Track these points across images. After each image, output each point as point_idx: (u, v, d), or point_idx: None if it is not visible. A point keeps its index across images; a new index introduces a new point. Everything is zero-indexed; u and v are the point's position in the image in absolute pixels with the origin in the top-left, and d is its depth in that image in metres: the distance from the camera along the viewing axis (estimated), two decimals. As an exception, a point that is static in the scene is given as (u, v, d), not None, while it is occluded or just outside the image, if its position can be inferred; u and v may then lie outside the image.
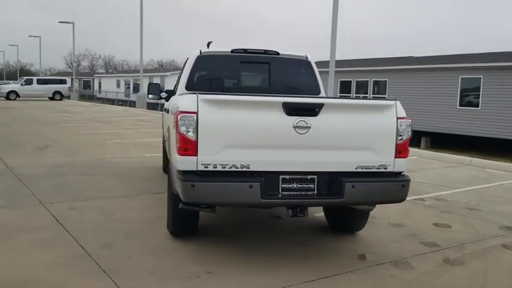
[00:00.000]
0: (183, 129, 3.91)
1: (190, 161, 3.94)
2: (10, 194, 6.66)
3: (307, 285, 3.93)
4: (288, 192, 4.10)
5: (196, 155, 3.92)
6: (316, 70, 6.17)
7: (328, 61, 15.75)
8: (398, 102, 4.27)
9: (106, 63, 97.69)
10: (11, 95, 39.05)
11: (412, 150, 7.55)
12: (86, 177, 8.06)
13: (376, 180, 4.17)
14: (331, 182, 4.15)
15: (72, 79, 51.49)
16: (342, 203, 4.21)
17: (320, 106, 4.03)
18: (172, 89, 7.61)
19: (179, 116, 3.92)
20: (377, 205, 4.69)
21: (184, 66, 6.60)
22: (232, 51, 5.85)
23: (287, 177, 4.09)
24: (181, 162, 3.97)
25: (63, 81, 43.28)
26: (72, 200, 6.39)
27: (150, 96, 7.52)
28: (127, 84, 54.51)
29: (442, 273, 4.31)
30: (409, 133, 4.30)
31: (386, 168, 4.24)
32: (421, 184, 8.26)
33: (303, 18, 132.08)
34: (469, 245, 5.13)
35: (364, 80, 25.69)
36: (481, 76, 20.55)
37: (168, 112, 5.89)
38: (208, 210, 4.15)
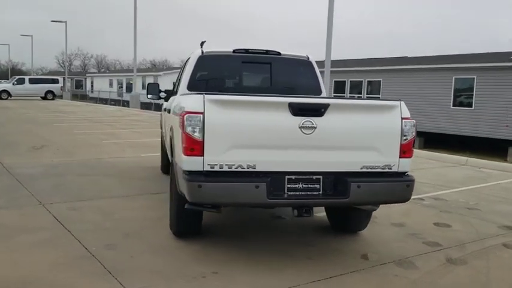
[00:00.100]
0: (189, 129, 3.90)
1: (197, 161, 3.93)
2: (9, 194, 6.61)
3: (313, 285, 3.93)
4: (294, 193, 4.10)
5: (203, 155, 3.91)
6: (318, 70, 6.18)
7: (324, 61, 15.78)
8: (403, 103, 4.30)
9: (98, 63, 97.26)
10: (3, 95, 38.73)
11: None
12: (84, 177, 8.01)
13: (381, 180, 4.19)
14: (336, 182, 4.16)
15: (64, 78, 51.19)
16: (347, 203, 4.22)
17: (326, 106, 4.04)
18: (171, 88, 7.61)
19: (185, 116, 3.90)
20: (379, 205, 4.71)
21: (185, 66, 6.59)
22: (233, 51, 5.84)
23: (293, 177, 4.09)
24: (187, 163, 3.96)
25: (55, 81, 43.01)
26: (72, 200, 6.36)
27: (149, 96, 7.49)
28: (120, 84, 54.31)
29: (445, 273, 4.33)
30: (414, 133, 4.33)
31: (391, 168, 4.26)
32: (419, 184, 8.28)
33: (299, 19, 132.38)
34: (470, 245, 5.16)
35: (358, 80, 25.77)
36: (475, 76, 20.68)
37: (169, 112, 5.87)
38: (213, 210, 4.14)
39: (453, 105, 21.52)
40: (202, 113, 3.89)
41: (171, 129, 5.02)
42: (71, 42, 45.65)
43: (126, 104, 41.68)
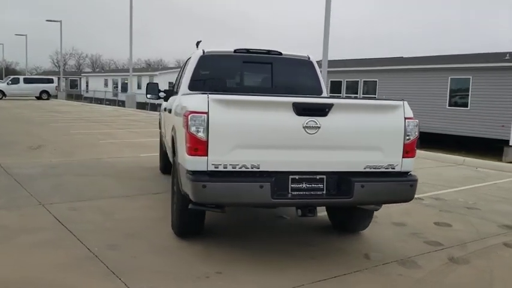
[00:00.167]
0: (193, 129, 3.89)
1: (201, 161, 3.92)
2: (8, 195, 6.57)
3: (317, 284, 3.93)
4: (298, 192, 4.10)
5: (207, 155, 3.91)
6: (318, 70, 6.19)
7: (320, 61, 15.80)
8: (406, 103, 4.31)
9: (93, 63, 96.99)
10: (-3, 94, 38.58)
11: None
12: (82, 178, 7.98)
13: (384, 180, 4.20)
14: (340, 182, 4.17)
15: (59, 78, 50.96)
16: (351, 203, 4.22)
17: (330, 106, 4.04)
18: (169, 88, 7.59)
19: (190, 116, 3.90)
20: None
21: (185, 66, 6.58)
22: (235, 51, 5.84)
23: (296, 177, 4.09)
24: (191, 163, 3.95)
25: (50, 81, 42.83)
26: (72, 201, 6.32)
27: (148, 96, 7.47)
28: (115, 84, 54.16)
29: (448, 272, 4.35)
30: (417, 133, 4.34)
31: (394, 168, 4.27)
32: (419, 183, 8.29)
33: (296, 20, 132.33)
34: (471, 244, 5.18)
35: (355, 80, 25.83)
36: (470, 77, 20.79)
37: (170, 112, 5.85)
38: (218, 210, 4.13)
39: (449, 105, 21.62)
40: (207, 113, 3.88)
41: (173, 129, 5.00)
42: (65, 41, 45.67)
43: (121, 103, 41.58)
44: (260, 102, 4.03)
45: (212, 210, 4.18)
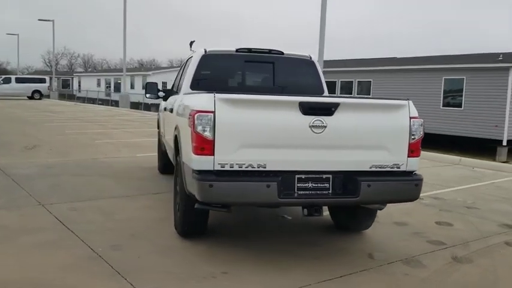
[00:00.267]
0: (199, 128, 3.87)
1: (207, 161, 3.90)
2: (7, 195, 6.50)
3: (323, 284, 3.93)
4: (304, 192, 4.09)
5: (213, 154, 3.89)
6: (320, 70, 6.19)
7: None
8: (411, 102, 4.32)
9: (85, 62, 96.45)
10: (-11, 94, 38.24)
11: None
12: (80, 178, 7.92)
13: (390, 179, 4.20)
14: (346, 182, 4.17)
15: (51, 78, 50.63)
16: (357, 202, 4.22)
17: (336, 105, 4.04)
18: (165, 88, 7.56)
19: (196, 115, 3.88)
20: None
21: (185, 65, 6.55)
22: (236, 51, 5.82)
23: (303, 176, 4.08)
24: (198, 162, 3.93)
25: (42, 80, 42.56)
26: (72, 201, 6.27)
27: (147, 95, 7.43)
28: (108, 84, 53.91)
29: (453, 271, 4.36)
30: (421, 132, 4.35)
31: (399, 168, 4.27)
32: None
33: (290, 19, 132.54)
34: (473, 243, 5.20)
35: (349, 80, 25.90)
36: (464, 77, 20.92)
37: (172, 111, 5.82)
38: (224, 210, 4.12)
39: (443, 106, 21.74)
40: (213, 112, 3.87)
41: (177, 128, 4.97)
42: (57, 41, 44.97)
43: (114, 103, 41.40)
44: (266, 101, 4.02)
45: (218, 210, 4.17)
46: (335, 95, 24.01)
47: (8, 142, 12.10)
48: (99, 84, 55.08)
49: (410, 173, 4.34)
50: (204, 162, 3.91)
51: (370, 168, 4.20)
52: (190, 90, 5.61)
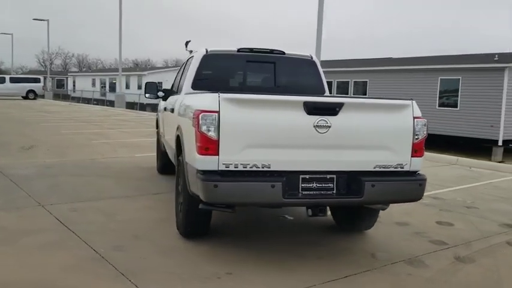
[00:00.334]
0: (204, 128, 3.86)
1: (212, 161, 3.89)
2: (6, 196, 6.45)
3: (328, 285, 3.92)
4: (308, 192, 4.09)
5: (218, 154, 3.87)
6: (321, 70, 6.18)
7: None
8: (414, 102, 4.32)
9: (80, 62, 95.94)
10: (-17, 94, 38.02)
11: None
12: (79, 178, 7.88)
13: (394, 180, 4.20)
14: (350, 182, 4.16)
15: (45, 78, 50.36)
16: (361, 202, 4.22)
17: (340, 105, 4.03)
18: (170, 88, 7.52)
19: (201, 115, 3.86)
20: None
21: (186, 65, 6.53)
22: (238, 51, 5.81)
23: (307, 176, 4.08)
24: (202, 162, 3.91)
25: (37, 80, 42.38)
26: (72, 201, 6.24)
27: (147, 95, 7.39)
28: (103, 83, 53.71)
29: (456, 271, 4.37)
30: (425, 132, 4.35)
31: (403, 168, 4.27)
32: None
33: (286, 20, 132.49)
34: (475, 243, 5.21)
35: (345, 80, 25.94)
36: (460, 77, 20.98)
37: (173, 111, 5.80)
38: (228, 210, 4.10)
39: (439, 106, 21.80)
40: (218, 112, 3.85)
41: (179, 128, 4.95)
42: (51, 41, 44.85)
43: (109, 103, 41.27)
44: (271, 101, 4.01)
45: (222, 210, 4.15)
46: (339, 95, 24.05)
47: (5, 142, 12.02)
48: (94, 84, 54.87)
49: (413, 173, 4.35)
50: (208, 163, 3.90)
51: (374, 168, 4.20)
52: (192, 90, 5.59)
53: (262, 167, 3.95)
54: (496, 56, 20.77)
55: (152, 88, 7.27)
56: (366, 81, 25.07)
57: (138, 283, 3.77)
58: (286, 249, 4.78)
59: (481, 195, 7.84)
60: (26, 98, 39.78)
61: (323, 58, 15.89)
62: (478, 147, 19.64)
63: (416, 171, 4.37)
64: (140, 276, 3.90)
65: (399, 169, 4.27)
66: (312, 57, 6.16)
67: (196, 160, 3.98)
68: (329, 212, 5.65)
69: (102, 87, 53.22)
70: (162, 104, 7.75)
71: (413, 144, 4.28)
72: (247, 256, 4.52)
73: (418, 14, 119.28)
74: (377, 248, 4.96)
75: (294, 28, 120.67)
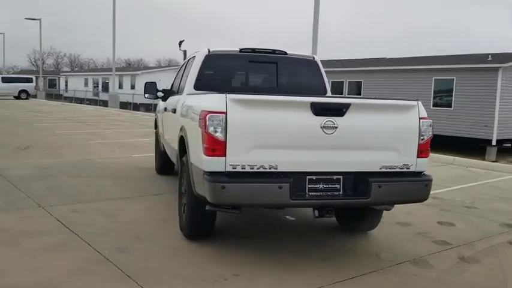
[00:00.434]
0: (211, 129, 3.83)
1: (218, 162, 3.86)
2: (5, 197, 6.38)
3: (336, 286, 3.91)
4: (315, 193, 4.08)
5: (225, 155, 3.85)
6: (323, 70, 6.18)
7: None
8: (420, 103, 4.32)
9: (72, 62, 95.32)
10: (-25, 94, 37.69)
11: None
12: (78, 179, 7.82)
13: (401, 180, 4.20)
14: (356, 182, 4.16)
15: (37, 77, 49.99)
16: (368, 203, 4.22)
17: (347, 106, 4.03)
18: (169, 88, 7.49)
19: (208, 116, 3.83)
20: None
21: (186, 66, 6.50)
22: (240, 51, 5.78)
23: (314, 177, 4.07)
24: (209, 163, 3.89)
25: (29, 80, 42.12)
26: (72, 203, 6.18)
27: (146, 95, 7.36)
28: (95, 83, 53.37)
29: (461, 271, 4.38)
30: (430, 133, 4.36)
31: (408, 168, 4.28)
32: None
33: (282, 20, 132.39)
34: (477, 243, 5.23)
35: (340, 80, 25.98)
36: (454, 77, 21.09)
37: (175, 112, 5.76)
38: (235, 211, 4.08)
39: (433, 106, 21.88)
40: (225, 113, 3.83)
41: (182, 129, 4.92)
42: (43, 40, 44.42)
43: (102, 103, 41.05)
44: (278, 102, 3.99)
45: (229, 212, 4.13)
46: (344, 95, 24.06)
47: (0, 143, 11.90)
48: (86, 84, 54.50)
49: (419, 174, 4.35)
50: (215, 164, 3.87)
51: (380, 169, 4.20)
52: (194, 91, 5.56)
53: (269, 168, 3.94)
54: (490, 56, 20.91)
55: (152, 88, 7.23)
56: (361, 81, 25.15)
57: (145, 285, 3.74)
58: (291, 250, 4.77)
59: (480, 195, 7.88)
60: (18, 98, 39.50)
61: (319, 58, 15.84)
62: (472, 147, 19.74)
63: (422, 172, 4.38)
64: (146, 278, 3.87)
65: (405, 170, 4.27)
66: (314, 58, 6.16)
67: (202, 161, 3.95)
68: (331, 213, 5.69)
69: (94, 87, 52.88)
70: (161, 104, 7.70)
71: (419, 145, 4.28)
72: (252, 257, 4.50)
73: (416, 14, 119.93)
74: (381, 248, 4.96)
75: (293, 28, 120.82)
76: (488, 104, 19.83)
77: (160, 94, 7.35)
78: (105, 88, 48.66)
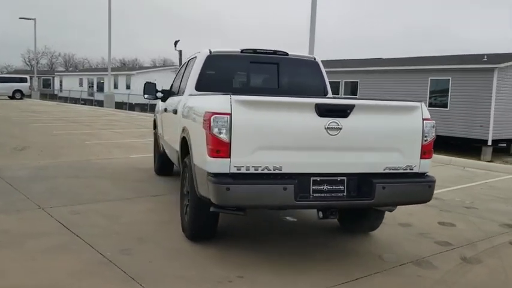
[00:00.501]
0: (215, 130, 3.82)
1: (223, 163, 3.85)
2: (3, 198, 6.33)
3: (342, 287, 3.91)
4: (319, 194, 4.07)
5: (229, 157, 3.84)
6: (324, 71, 6.17)
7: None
8: (423, 104, 4.33)
9: (66, 61, 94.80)
10: (-31, 94, 37.43)
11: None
12: (76, 180, 7.77)
13: (404, 181, 4.21)
14: (360, 184, 4.15)
15: (31, 78, 49.69)
16: (372, 205, 4.22)
17: (351, 107, 4.02)
18: (169, 89, 7.46)
19: (212, 117, 3.82)
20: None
21: (187, 66, 6.47)
22: (242, 51, 5.77)
23: (318, 178, 4.06)
24: (213, 165, 3.88)
25: (23, 80, 41.88)
26: (72, 204, 6.14)
27: (145, 96, 7.32)
28: (90, 83, 53.12)
29: (464, 272, 4.39)
30: (433, 134, 4.36)
31: (412, 169, 4.28)
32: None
33: (281, 20, 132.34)
34: (479, 243, 5.24)
35: (336, 81, 26.01)
36: (450, 78, 21.18)
37: (175, 113, 5.74)
38: (240, 213, 4.06)
39: (429, 106, 21.93)
40: (230, 114, 3.81)
41: (184, 130, 4.90)
42: (37, 40, 44.16)
43: (97, 103, 40.92)
44: (283, 103, 3.98)
45: (234, 213, 4.11)
46: (349, 96, 24.08)
47: (-4, 143, 11.84)
48: (81, 84, 54.25)
49: (422, 175, 4.36)
50: (219, 165, 3.86)
51: (384, 170, 4.20)
52: (196, 92, 5.54)
53: (274, 170, 3.93)
54: (485, 56, 21.01)
55: (151, 89, 7.20)
56: (357, 82, 25.20)
57: (149, 287, 3.72)
58: (294, 251, 4.76)
59: (478, 195, 7.91)
60: (12, 98, 39.27)
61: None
62: (468, 147, 19.83)
63: (425, 173, 4.38)
64: (150, 281, 3.85)
65: (408, 171, 4.28)
66: (315, 59, 6.16)
67: (207, 162, 3.93)
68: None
69: (89, 87, 52.65)
70: (161, 104, 7.68)
71: (423, 146, 4.29)
72: (256, 258, 4.49)
73: (416, 15, 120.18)
74: (383, 249, 4.97)
75: (293, 28, 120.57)
76: (483, 104, 19.93)
77: (159, 95, 7.32)
78: (100, 88, 48.47)
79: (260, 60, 5.86)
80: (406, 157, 4.25)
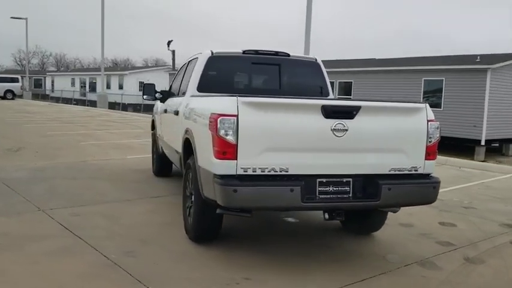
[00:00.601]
0: (222, 132, 3.81)
1: (230, 165, 3.84)
2: (3, 200, 6.27)
3: (348, 288, 3.92)
4: (325, 196, 4.07)
5: (236, 158, 3.83)
6: (325, 72, 6.18)
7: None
8: (427, 105, 4.35)
9: (57, 61, 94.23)
10: (-41, 94, 37.06)
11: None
12: (74, 181, 7.72)
13: (410, 183, 4.22)
14: (366, 185, 4.16)
15: (22, 77, 49.31)
16: (377, 206, 4.23)
17: (357, 109, 4.03)
18: (168, 89, 7.44)
19: (219, 119, 3.81)
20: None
21: (187, 67, 6.45)
22: (243, 52, 5.76)
23: (324, 180, 4.06)
24: (220, 166, 3.86)
25: (14, 80, 41.57)
26: (72, 206, 6.10)
27: (145, 96, 7.29)
28: (83, 83, 52.83)
29: (469, 272, 4.41)
30: (438, 135, 4.39)
31: (417, 170, 4.30)
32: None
33: (275, 20, 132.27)
34: (480, 244, 5.28)
35: (330, 81, 26.04)
36: (443, 78, 21.31)
37: (177, 114, 5.72)
38: (247, 215, 4.05)
39: (423, 106, 22.06)
40: (236, 116, 3.80)
41: (188, 131, 4.88)
42: (28, 39, 43.72)
43: (90, 103, 40.73)
44: (289, 104, 3.98)
45: (240, 215, 4.10)
46: (353, 97, 24.11)
47: (-9, 144, 11.73)
48: (73, 84, 53.92)
49: (427, 176, 4.38)
50: (226, 167, 3.85)
51: (389, 171, 4.21)
52: (197, 93, 5.53)
53: (280, 171, 3.93)
54: (478, 57, 21.16)
55: (150, 90, 7.16)
56: (351, 82, 25.27)
57: (157, 290, 3.71)
58: (299, 252, 4.76)
59: (476, 195, 7.97)
60: (3, 98, 38.95)
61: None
62: (461, 147, 19.95)
63: (430, 174, 4.40)
64: (157, 283, 3.83)
65: (413, 172, 4.29)
66: (316, 60, 6.16)
67: (213, 164, 3.92)
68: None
69: (82, 87, 52.34)
70: (160, 105, 7.65)
71: (427, 147, 4.31)
72: (261, 260, 4.48)
73: (411, 16, 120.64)
74: (387, 250, 4.98)
75: (292, 28, 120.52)
76: (477, 104, 20.07)
77: (158, 95, 7.29)
78: (93, 88, 48.24)
79: (262, 61, 5.86)
80: (410, 158, 4.27)
